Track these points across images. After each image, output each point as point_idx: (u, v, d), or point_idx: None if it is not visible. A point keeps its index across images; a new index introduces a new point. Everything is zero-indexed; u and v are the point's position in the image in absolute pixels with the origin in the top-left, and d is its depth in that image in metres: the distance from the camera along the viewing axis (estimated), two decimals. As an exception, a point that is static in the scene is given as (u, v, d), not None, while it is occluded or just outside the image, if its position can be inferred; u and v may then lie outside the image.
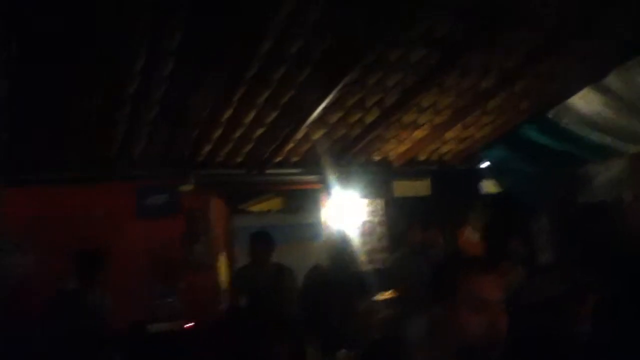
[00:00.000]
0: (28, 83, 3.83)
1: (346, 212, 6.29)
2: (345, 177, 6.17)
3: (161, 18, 3.38)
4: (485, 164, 6.63)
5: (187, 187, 5.43)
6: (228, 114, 4.73)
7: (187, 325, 5.03)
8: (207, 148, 5.35)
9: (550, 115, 5.43)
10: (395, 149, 6.24)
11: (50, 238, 4.80)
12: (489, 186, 6.73)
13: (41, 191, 4.95)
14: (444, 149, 6.47)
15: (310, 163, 6.01)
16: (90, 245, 4.38)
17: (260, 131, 5.21)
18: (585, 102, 5.09)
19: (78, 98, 4.15)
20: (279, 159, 5.80)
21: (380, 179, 6.44)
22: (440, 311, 1.62)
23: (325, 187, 6.21)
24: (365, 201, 6.42)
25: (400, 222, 5.90)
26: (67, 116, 4.38)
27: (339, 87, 4.40)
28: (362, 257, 6.30)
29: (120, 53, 3.66)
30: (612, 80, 4.70)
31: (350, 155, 5.97)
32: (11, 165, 4.72)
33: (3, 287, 4.48)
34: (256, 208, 8.40)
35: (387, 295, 5.51)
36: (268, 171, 5.91)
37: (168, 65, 3.89)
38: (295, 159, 5.97)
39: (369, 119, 5.36)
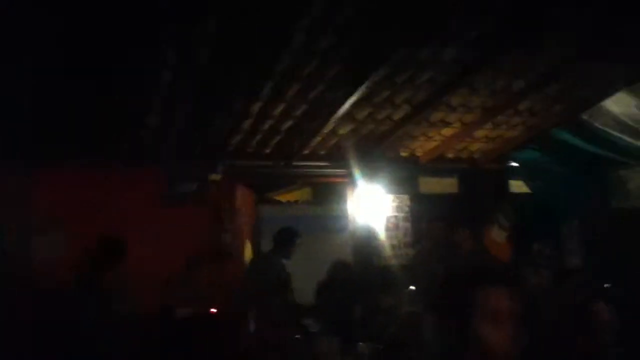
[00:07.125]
0: (63, 68, 3.90)
1: (372, 206, 6.30)
2: (371, 172, 6.17)
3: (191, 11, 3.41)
4: (514, 164, 6.55)
5: (215, 177, 5.52)
6: (258, 106, 4.78)
7: (211, 310, 5.11)
8: (237, 139, 5.41)
9: (584, 117, 5.36)
10: (423, 145, 6.20)
11: (78, 221, 4.86)
12: (517, 186, 6.65)
13: (70, 175, 5.02)
14: (473, 147, 6.40)
15: (338, 157, 6.03)
16: (115, 230, 4.44)
17: (289, 124, 5.25)
18: (619, 104, 5.01)
19: (111, 87, 4.24)
20: (306, 151, 5.83)
21: (406, 174, 6.41)
22: (455, 324, 1.61)
23: (352, 181, 6.22)
24: (391, 196, 6.41)
25: (425, 218, 5.87)
26: (99, 103, 4.43)
27: (368, 83, 4.40)
28: (386, 252, 6.33)
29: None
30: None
31: (378, 150, 5.96)
32: (41, 149, 4.79)
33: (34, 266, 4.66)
34: (284, 198, 8.47)
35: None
36: (295, 163, 5.95)
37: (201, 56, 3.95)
38: (322, 152, 6.00)
39: (398, 115, 5.35)
